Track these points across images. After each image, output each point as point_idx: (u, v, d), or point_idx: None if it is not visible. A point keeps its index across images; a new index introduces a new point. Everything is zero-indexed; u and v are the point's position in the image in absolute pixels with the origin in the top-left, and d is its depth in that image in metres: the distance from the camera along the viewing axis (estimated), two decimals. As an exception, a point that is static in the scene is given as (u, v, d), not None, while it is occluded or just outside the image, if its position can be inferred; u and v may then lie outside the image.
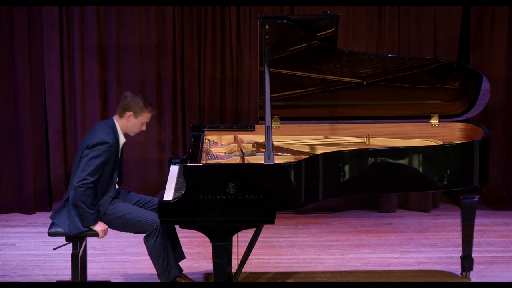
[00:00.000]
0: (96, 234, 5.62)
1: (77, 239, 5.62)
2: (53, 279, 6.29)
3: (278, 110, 6.29)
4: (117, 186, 5.81)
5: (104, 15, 7.74)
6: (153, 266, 5.80)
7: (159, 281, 5.83)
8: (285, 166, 5.32)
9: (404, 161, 5.71)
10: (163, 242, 5.68)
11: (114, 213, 5.68)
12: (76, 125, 7.84)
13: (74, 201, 5.58)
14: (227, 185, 5.25)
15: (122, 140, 5.77)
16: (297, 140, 6.29)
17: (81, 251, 5.72)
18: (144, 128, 5.81)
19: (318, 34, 5.79)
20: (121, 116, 5.75)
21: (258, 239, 5.93)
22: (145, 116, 5.76)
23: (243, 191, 5.25)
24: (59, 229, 5.63)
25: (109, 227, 5.71)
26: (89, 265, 6.25)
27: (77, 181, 5.53)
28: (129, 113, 5.72)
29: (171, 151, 7.94)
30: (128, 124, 5.75)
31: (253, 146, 6.21)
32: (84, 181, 5.52)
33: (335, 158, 5.57)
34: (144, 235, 5.71)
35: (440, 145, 5.96)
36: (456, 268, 6.44)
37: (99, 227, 5.62)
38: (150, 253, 5.71)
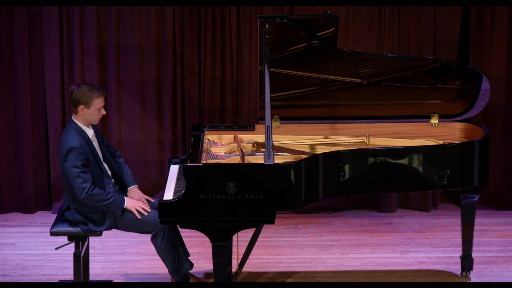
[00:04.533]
0: (98, 234, 5.60)
1: (79, 239, 5.62)
2: (53, 279, 6.28)
3: (278, 110, 6.29)
4: (112, 182, 5.76)
5: (104, 15, 7.74)
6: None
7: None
8: (285, 166, 5.32)
9: (404, 161, 5.71)
10: (171, 239, 5.63)
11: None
12: (76, 125, 7.83)
13: (94, 205, 5.56)
14: (227, 185, 5.25)
15: (89, 132, 5.65)
16: (297, 140, 6.29)
17: (83, 251, 5.72)
18: (103, 112, 5.66)
19: (318, 34, 5.79)
20: (76, 112, 5.62)
21: (258, 239, 5.93)
22: (97, 103, 5.60)
23: (243, 191, 5.25)
24: (61, 229, 5.62)
25: (115, 227, 5.67)
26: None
27: (80, 195, 5.50)
28: (80, 107, 5.59)
29: (171, 151, 7.93)
30: (85, 117, 5.61)
31: (253, 146, 6.21)
32: (84, 190, 5.49)
33: (335, 158, 5.57)
34: (150, 235, 5.67)
35: (440, 145, 5.96)
36: (456, 268, 6.44)
37: (130, 203, 5.60)
38: (160, 251, 5.66)
